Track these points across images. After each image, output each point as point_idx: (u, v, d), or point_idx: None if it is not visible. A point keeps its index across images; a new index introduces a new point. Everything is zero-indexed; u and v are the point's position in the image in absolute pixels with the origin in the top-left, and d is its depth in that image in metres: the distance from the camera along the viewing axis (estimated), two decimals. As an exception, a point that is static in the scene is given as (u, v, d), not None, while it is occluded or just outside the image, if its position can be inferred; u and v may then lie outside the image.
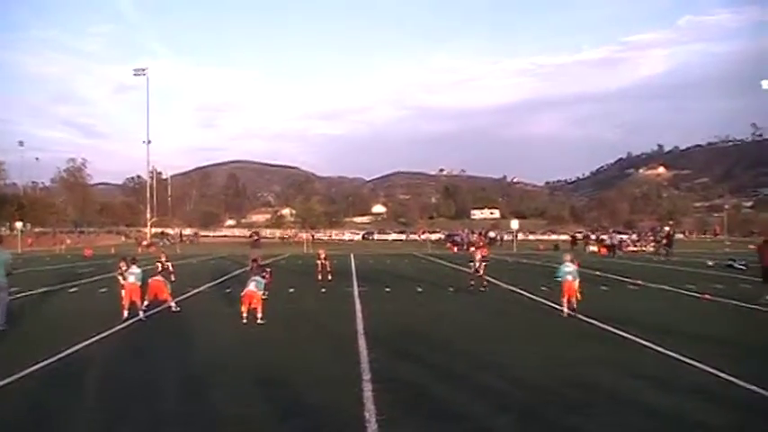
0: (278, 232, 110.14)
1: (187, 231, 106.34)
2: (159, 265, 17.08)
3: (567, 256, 15.80)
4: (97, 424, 6.88)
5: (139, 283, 14.40)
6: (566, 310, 14.73)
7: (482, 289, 20.58)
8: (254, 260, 18.04)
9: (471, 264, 21.83)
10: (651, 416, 7.02)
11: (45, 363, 9.53)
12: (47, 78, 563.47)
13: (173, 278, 17.15)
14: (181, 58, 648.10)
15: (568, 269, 14.92)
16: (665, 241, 44.85)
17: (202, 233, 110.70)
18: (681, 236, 79.46)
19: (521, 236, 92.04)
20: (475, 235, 77.38)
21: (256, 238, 40.82)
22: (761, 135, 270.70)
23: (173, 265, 17.86)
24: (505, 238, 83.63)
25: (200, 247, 73.30)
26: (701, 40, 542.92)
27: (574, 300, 14.82)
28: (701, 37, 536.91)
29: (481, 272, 21.04)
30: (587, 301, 16.74)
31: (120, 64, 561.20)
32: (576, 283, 14.93)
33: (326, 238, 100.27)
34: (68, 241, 66.68)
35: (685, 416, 6.97)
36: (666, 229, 51.49)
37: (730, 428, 6.60)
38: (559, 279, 15.02)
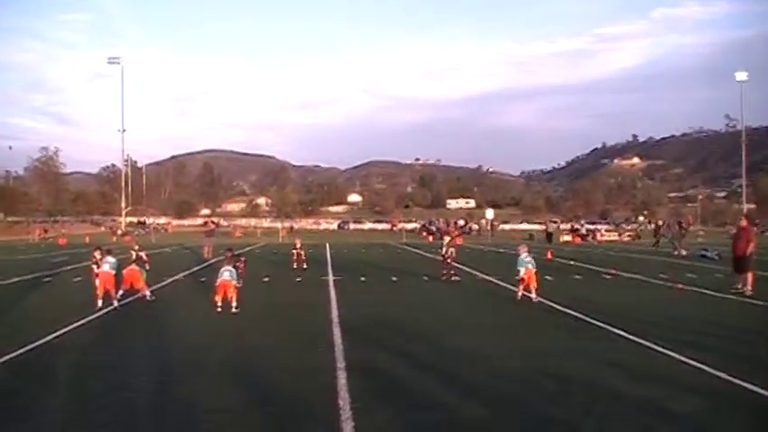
0: (253, 221, 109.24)
1: (161, 220, 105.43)
2: (133, 253, 16.96)
3: (524, 248, 16.23)
4: (70, 414, 6.79)
5: (114, 272, 14.26)
6: (520, 293, 15.51)
7: (453, 278, 20.66)
8: (229, 249, 17.94)
9: (441, 250, 22.03)
10: (623, 404, 7.09)
11: (17, 353, 9.39)
12: (20, 66, 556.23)
13: (147, 267, 17.02)
14: (156, 46, 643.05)
15: (527, 259, 15.53)
16: (683, 232, 43.84)
17: (176, 222, 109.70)
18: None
19: (498, 226, 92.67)
20: (451, 225, 77.68)
21: (211, 227, 40.17)
22: (734, 126, 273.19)
23: (147, 255, 17.70)
24: (483, 226, 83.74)
25: (172, 236, 72.69)
26: (675, 32, 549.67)
27: (532, 286, 15.36)
28: (674, 29, 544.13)
29: (449, 260, 21.13)
30: (561, 291, 16.96)
31: (94, 52, 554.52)
32: (534, 271, 15.49)
33: (296, 227, 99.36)
34: (45, 231, 65.77)
35: (656, 403, 7.04)
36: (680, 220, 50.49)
37: (701, 414, 6.68)
38: (521, 270, 15.43)
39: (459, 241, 21.27)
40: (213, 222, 48.39)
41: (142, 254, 17.11)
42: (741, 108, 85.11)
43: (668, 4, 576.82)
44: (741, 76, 77.61)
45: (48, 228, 70.57)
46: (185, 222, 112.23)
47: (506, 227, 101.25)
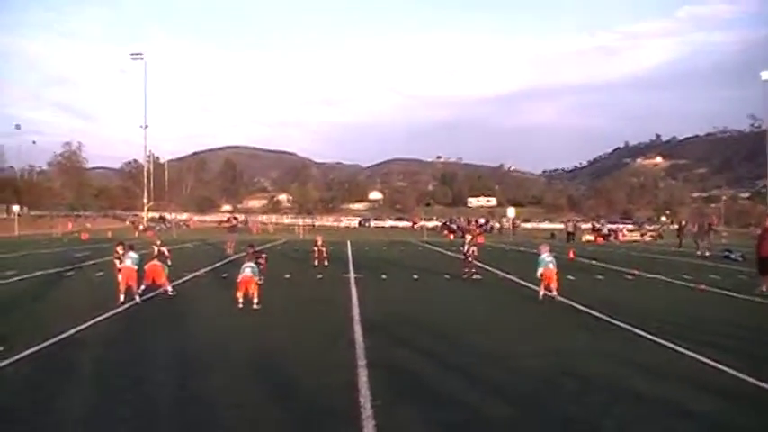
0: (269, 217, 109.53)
1: (183, 216, 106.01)
2: (155, 248, 17.04)
3: (545, 248, 16.20)
4: (92, 408, 6.86)
5: (136, 267, 14.39)
6: (542, 292, 15.40)
7: (474, 276, 20.60)
8: (251, 246, 18.00)
9: (462, 249, 22.02)
10: (645, 404, 7.04)
11: (40, 346, 9.51)
12: (44, 62, 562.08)
13: (169, 262, 17.12)
14: (180, 42, 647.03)
15: (548, 259, 15.50)
16: (712, 232, 43.26)
17: (197, 218, 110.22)
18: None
19: (520, 225, 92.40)
20: (472, 223, 77.51)
21: (234, 223, 40.73)
22: (759, 126, 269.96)
23: (168, 250, 17.78)
24: (504, 225, 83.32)
25: (194, 232, 73.14)
26: (700, 31, 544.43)
27: (553, 285, 15.36)
28: (699, 27, 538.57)
29: (471, 258, 21.07)
30: (583, 291, 16.87)
31: (117, 48, 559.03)
32: (555, 270, 15.48)
33: (316, 224, 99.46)
34: (70, 225, 66.46)
35: (679, 404, 7.00)
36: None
37: (722, 415, 6.63)
38: (540, 269, 15.43)
39: (480, 240, 21.15)
40: (235, 218, 48.89)
41: (164, 249, 17.20)
42: (766, 108, 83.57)
43: (694, 2, 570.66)
44: (766, 75, 76.56)
45: (73, 222, 71.26)
46: (207, 218, 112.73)
47: (528, 225, 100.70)
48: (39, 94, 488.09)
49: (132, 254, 14.67)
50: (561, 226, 78.04)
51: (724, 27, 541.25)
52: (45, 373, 8.21)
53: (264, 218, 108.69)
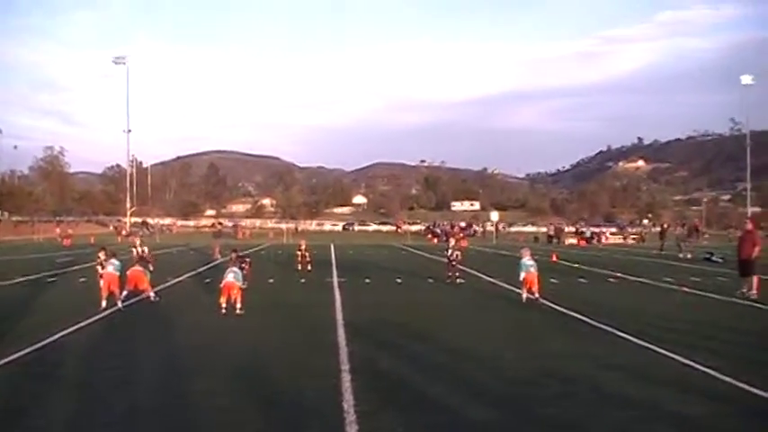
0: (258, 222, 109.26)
1: (166, 221, 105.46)
2: (134, 250, 16.91)
3: (526, 252, 16.38)
4: (75, 414, 6.82)
5: (118, 273, 14.32)
6: (525, 295, 15.58)
7: (458, 281, 20.62)
8: (234, 250, 17.92)
9: (446, 252, 22.06)
10: (627, 406, 7.09)
11: (23, 352, 9.43)
12: (26, 66, 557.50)
13: (151, 268, 17.04)
14: (163, 47, 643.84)
15: (529, 263, 15.68)
16: (697, 235, 43.94)
17: (181, 223, 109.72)
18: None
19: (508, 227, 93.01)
20: (455, 227, 77.67)
21: (219, 228, 41.25)
22: (739, 129, 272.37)
23: (152, 256, 17.68)
24: (488, 228, 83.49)
25: (177, 237, 72.73)
26: (681, 35, 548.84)
27: (534, 289, 15.52)
28: (680, 32, 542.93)
29: (455, 263, 21.11)
30: (566, 294, 16.96)
31: (100, 52, 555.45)
32: (536, 274, 15.66)
33: (300, 228, 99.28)
34: (58, 230, 65.77)
35: (661, 406, 7.05)
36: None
37: (705, 419, 6.67)
38: (522, 273, 15.62)
39: (464, 243, 21.15)
40: (220, 224, 49.36)
41: (145, 249, 17.07)
42: (746, 111, 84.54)
43: (675, 6, 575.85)
44: (746, 79, 77.63)
45: (60, 227, 70.47)
46: (190, 223, 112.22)
47: (512, 229, 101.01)
48: (21, 98, 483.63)
49: (114, 261, 14.62)
50: (545, 229, 78.54)
51: (704, 32, 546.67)
52: (28, 379, 8.14)
53: (248, 222, 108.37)
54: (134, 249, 16.98)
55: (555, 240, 65.15)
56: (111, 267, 14.31)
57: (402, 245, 55.17)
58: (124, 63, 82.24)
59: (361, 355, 9.51)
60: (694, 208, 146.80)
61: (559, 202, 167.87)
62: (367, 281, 21.31)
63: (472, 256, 34.68)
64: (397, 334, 11.60)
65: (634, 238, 74.50)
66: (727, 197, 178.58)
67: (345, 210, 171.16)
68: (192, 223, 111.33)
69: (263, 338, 11.29)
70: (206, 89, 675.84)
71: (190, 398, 7.38)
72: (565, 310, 14.26)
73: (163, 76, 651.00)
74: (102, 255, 15.77)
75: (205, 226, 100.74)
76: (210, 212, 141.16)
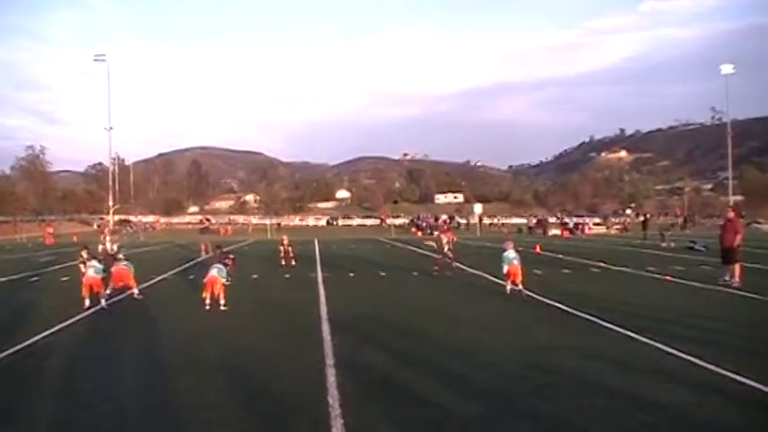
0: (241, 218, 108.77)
1: (149, 218, 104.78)
2: (100, 247, 16.65)
3: (509, 244, 16.40)
4: (58, 415, 6.76)
5: (99, 276, 14.17)
6: (509, 287, 15.75)
7: (448, 273, 20.65)
8: (218, 246, 17.89)
9: (439, 245, 22.07)
10: (612, 397, 7.12)
11: (4, 354, 9.34)
12: (6, 65, 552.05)
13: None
14: (144, 44, 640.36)
15: (512, 255, 15.71)
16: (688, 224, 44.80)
17: (164, 220, 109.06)
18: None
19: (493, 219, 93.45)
20: (440, 220, 77.83)
21: (206, 225, 41.54)
22: (720, 119, 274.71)
23: (118, 251, 17.45)
24: (471, 221, 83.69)
25: (161, 234, 72.34)
26: (663, 26, 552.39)
27: (518, 280, 15.52)
28: (662, 22, 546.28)
29: (451, 255, 21.16)
30: (550, 285, 17.03)
31: (81, 50, 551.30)
32: (519, 266, 15.63)
33: (284, 224, 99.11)
34: (50, 229, 65.02)
35: (644, 395, 7.08)
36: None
37: (687, 407, 6.71)
38: (505, 265, 15.65)
39: (449, 236, 21.21)
40: (207, 220, 49.76)
41: (114, 248, 16.88)
42: (727, 101, 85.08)
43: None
44: (727, 69, 78.14)
45: (43, 226, 69.65)
46: (174, 220, 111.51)
47: (496, 221, 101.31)
48: (1, 98, 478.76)
49: (95, 263, 14.51)
50: (526, 221, 79.08)
51: (686, 22, 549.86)
52: (9, 382, 8.06)
53: (231, 218, 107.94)
54: (101, 246, 16.76)
55: (539, 231, 65.47)
56: (92, 270, 14.16)
57: (386, 239, 55.21)
58: (104, 60, 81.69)
59: (345, 349, 9.49)
60: (676, 197, 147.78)
61: (542, 194, 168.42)
62: (351, 275, 21.29)
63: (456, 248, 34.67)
64: (382, 328, 11.59)
65: (617, 229, 74.93)
66: (709, 186, 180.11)
67: (329, 204, 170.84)
68: (175, 220, 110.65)
69: (246, 334, 11.23)
70: (188, 86, 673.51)
71: (173, 396, 7.34)
72: (549, 301, 14.32)
73: (144, 74, 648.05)
74: (84, 253, 15.68)
75: (189, 223, 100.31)
76: (194, 209, 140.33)
